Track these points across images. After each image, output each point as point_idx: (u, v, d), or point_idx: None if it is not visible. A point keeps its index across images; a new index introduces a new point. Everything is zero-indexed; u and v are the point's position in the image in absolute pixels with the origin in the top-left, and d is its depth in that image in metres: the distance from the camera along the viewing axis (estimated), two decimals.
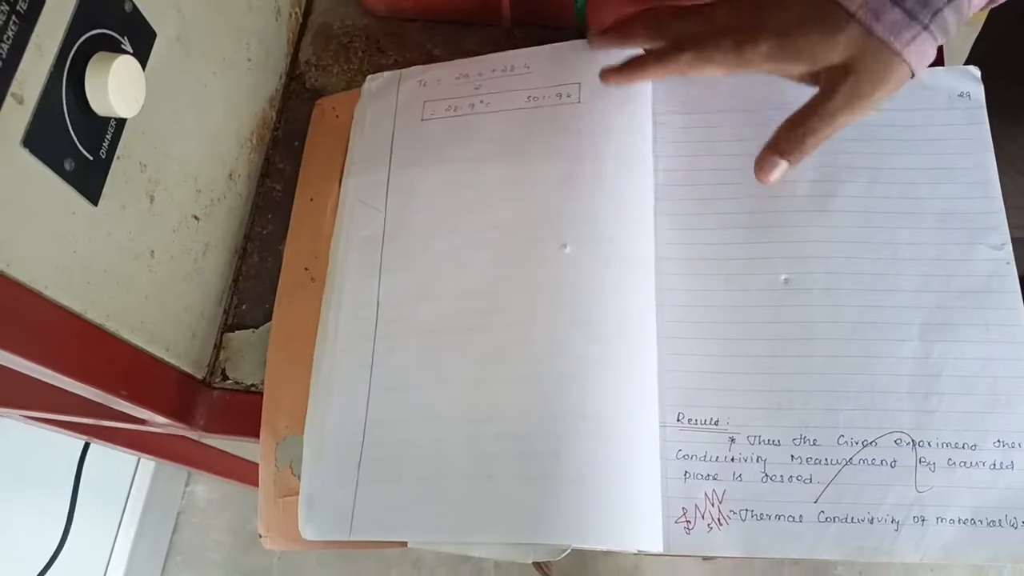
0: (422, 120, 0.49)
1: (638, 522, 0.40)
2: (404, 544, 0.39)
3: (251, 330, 0.48)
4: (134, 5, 0.37)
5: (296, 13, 0.56)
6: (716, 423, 0.43)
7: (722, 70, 0.42)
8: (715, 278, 0.46)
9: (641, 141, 0.47)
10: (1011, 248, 0.46)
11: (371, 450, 0.41)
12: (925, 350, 0.43)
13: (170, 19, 0.40)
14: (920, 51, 0.38)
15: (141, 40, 0.38)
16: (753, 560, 1.05)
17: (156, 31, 0.38)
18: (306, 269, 0.48)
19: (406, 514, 0.39)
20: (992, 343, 0.43)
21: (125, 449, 0.71)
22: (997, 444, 0.42)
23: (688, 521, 0.41)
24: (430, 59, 0.54)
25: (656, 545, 0.40)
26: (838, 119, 0.40)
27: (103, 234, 0.37)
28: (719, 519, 0.41)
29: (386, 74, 0.52)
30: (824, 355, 0.44)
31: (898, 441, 0.42)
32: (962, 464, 0.41)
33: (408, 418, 0.42)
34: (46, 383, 0.36)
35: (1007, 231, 0.46)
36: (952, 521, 0.40)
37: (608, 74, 0.45)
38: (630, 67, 0.44)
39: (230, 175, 0.48)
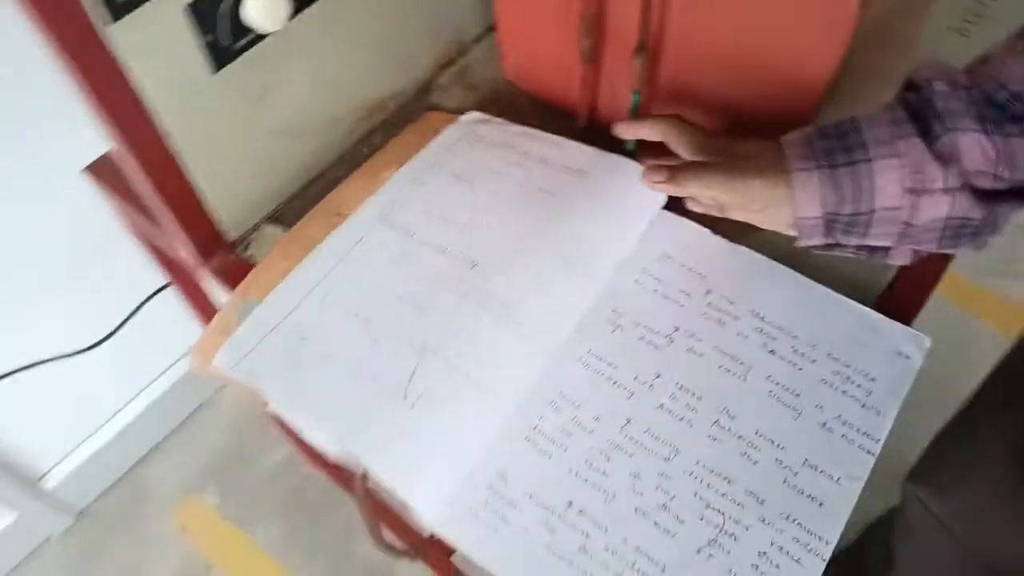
0: (476, 154, 0.62)
1: (428, 485, 0.48)
2: (265, 404, 0.50)
3: (284, 228, 0.62)
4: None
5: (452, 47, 0.71)
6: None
7: (701, 186, 0.53)
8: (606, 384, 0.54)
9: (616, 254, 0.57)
10: (860, 486, 0.50)
11: (297, 329, 0.53)
12: (738, 514, 0.49)
13: None
14: (803, 181, 0.47)
15: None
16: None
17: None
18: (339, 209, 0.61)
19: (283, 385, 0.50)
20: (796, 542, 0.48)
21: (188, 302, 0.87)
22: None
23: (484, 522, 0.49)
24: (523, 124, 0.67)
25: (428, 508, 0.48)
26: (708, 184, 0.52)
27: (212, 97, 0.52)
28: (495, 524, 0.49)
29: (480, 115, 0.66)
30: (653, 470, 0.50)
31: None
32: None
33: (340, 315, 0.54)
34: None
35: (868, 470, 0.50)
36: None
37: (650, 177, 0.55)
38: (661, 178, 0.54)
39: (333, 121, 0.63)
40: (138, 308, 0.94)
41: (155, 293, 0.95)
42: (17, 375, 0.93)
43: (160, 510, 1.27)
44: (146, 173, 0.51)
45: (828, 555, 0.48)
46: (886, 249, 0.51)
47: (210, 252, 0.60)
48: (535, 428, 0.52)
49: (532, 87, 0.69)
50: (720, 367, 0.54)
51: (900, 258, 0.52)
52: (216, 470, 1.30)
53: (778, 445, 0.51)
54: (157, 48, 0.46)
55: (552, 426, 0.53)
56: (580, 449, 0.52)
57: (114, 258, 0.98)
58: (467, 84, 0.70)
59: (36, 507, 1.18)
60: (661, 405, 0.53)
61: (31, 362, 0.93)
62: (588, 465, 0.51)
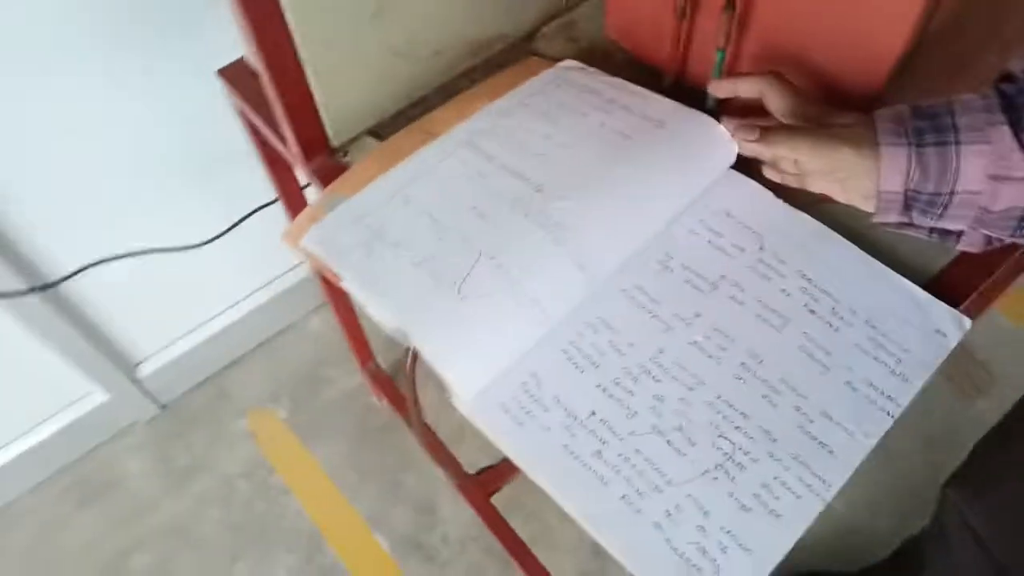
0: (564, 96, 0.67)
1: (467, 371, 0.53)
2: (339, 279, 0.57)
3: (380, 142, 0.68)
4: None
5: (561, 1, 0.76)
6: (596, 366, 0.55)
7: (789, 149, 0.54)
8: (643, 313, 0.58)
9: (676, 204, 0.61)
10: (873, 443, 0.52)
11: (375, 223, 0.60)
12: (749, 446, 0.52)
13: None
14: (891, 155, 0.48)
15: None
16: None
17: None
18: (431, 129, 0.67)
19: (358, 268, 0.57)
20: (799, 480, 0.50)
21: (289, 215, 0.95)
22: (727, 533, 0.49)
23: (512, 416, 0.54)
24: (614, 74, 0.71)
25: (465, 392, 0.53)
26: (797, 148, 0.52)
27: (335, 7, 0.58)
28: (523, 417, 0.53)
29: (575, 63, 0.70)
30: (675, 395, 0.54)
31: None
32: None
33: (415, 215, 0.60)
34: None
35: (883, 429, 0.52)
36: None
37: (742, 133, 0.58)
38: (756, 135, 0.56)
39: (438, 51, 0.69)
40: (245, 217, 1.04)
41: (263, 207, 1.04)
42: (130, 259, 1.03)
43: (236, 415, 1.38)
44: (272, 73, 0.58)
45: (828, 498, 0.50)
46: (959, 234, 0.51)
47: (313, 153, 0.67)
48: (572, 343, 0.57)
49: (628, 44, 0.73)
50: (758, 316, 0.57)
51: (972, 244, 0.51)
52: (290, 387, 1.40)
53: (800, 393, 0.54)
54: None
55: (589, 344, 0.57)
56: (611, 368, 0.56)
57: (232, 167, 1.08)
58: (569, 36, 0.75)
59: (129, 392, 1.31)
60: (694, 342, 0.56)
61: (144, 249, 1.03)
62: (615, 383, 0.55)
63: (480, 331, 0.54)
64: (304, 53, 0.58)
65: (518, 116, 0.67)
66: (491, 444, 0.54)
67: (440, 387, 0.55)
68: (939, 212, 0.49)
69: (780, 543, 0.49)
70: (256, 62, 0.59)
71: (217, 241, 1.05)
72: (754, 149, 0.57)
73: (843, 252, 0.60)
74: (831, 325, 0.57)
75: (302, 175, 0.71)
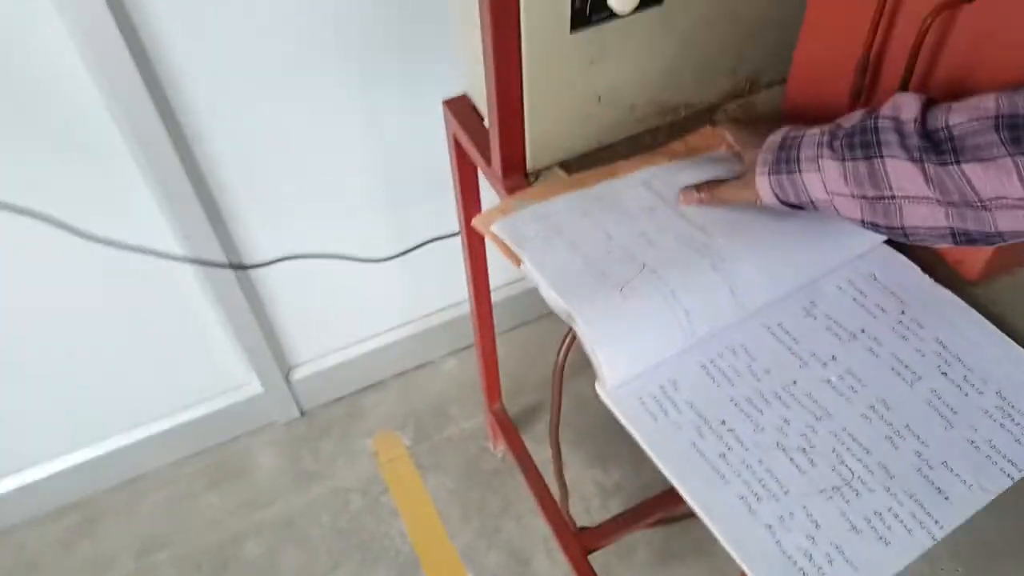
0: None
1: (616, 358, 0.60)
2: (519, 261, 0.66)
3: (568, 175, 0.79)
4: None
5: (747, 82, 0.85)
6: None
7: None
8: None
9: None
10: (990, 497, 0.54)
11: (557, 225, 0.69)
12: (867, 477, 0.55)
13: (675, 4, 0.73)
14: (761, 182, 0.63)
15: None
16: None
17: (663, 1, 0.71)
18: (612, 174, 0.77)
19: (538, 253, 0.66)
20: (912, 516, 0.53)
21: (467, 253, 1.07)
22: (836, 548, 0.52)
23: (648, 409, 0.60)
24: None
25: (611, 378, 0.60)
26: (721, 194, 0.69)
27: (560, 51, 0.70)
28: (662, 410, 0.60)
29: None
30: (802, 422, 0.58)
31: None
32: None
33: (591, 226, 0.69)
34: None
35: (1002, 487, 0.54)
36: None
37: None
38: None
39: (632, 106, 0.79)
40: (426, 242, 1.16)
41: (441, 237, 1.17)
42: (318, 261, 1.18)
43: (364, 433, 1.48)
44: (500, 102, 0.70)
45: (939, 537, 0.53)
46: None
47: (511, 172, 0.78)
48: (712, 361, 0.63)
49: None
50: (892, 369, 0.61)
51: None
52: (417, 417, 1.49)
53: (922, 441, 0.57)
54: (541, 3, 0.66)
55: (727, 364, 0.62)
56: (745, 388, 0.61)
57: (426, 194, 1.22)
58: (747, 115, 0.84)
59: (281, 391, 1.44)
60: (827, 380, 0.61)
61: (333, 253, 1.18)
62: (748, 401, 0.60)
63: (634, 325, 0.61)
64: (528, 89, 0.70)
65: (691, 173, 0.76)
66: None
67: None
68: (815, 210, 0.61)
69: (886, 566, 0.51)
70: (486, 92, 0.71)
71: (393, 260, 1.18)
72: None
73: (982, 329, 0.63)
74: (961, 389, 0.60)
75: (489, 202, 0.82)
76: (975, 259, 0.65)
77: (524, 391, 1.51)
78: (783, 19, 0.80)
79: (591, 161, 0.79)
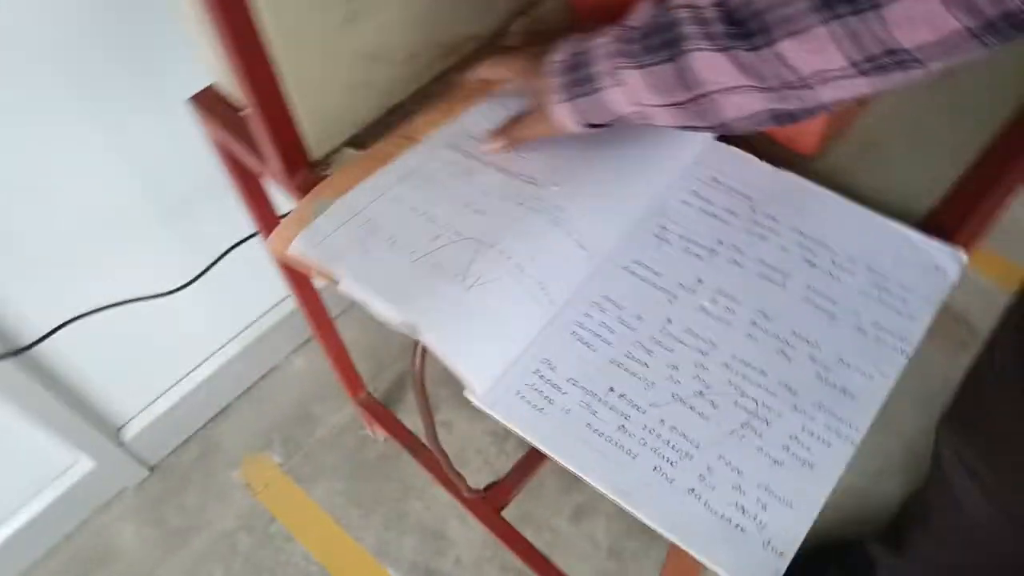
0: None
1: (480, 362, 0.52)
2: (337, 282, 0.55)
3: (360, 150, 0.68)
4: None
5: None
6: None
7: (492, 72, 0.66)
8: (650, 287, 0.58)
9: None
10: (891, 382, 0.52)
11: (367, 222, 0.59)
12: (771, 402, 0.51)
13: None
14: (560, 112, 0.56)
15: None
16: None
17: None
18: (413, 134, 0.66)
19: (354, 265, 0.56)
20: (827, 428, 0.50)
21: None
22: (764, 489, 0.48)
23: (529, 403, 0.53)
24: None
25: (480, 385, 0.52)
26: (522, 130, 0.62)
27: (308, 16, 0.58)
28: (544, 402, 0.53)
29: None
30: (691, 362, 0.54)
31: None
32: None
33: (407, 212, 0.59)
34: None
35: (899, 369, 0.52)
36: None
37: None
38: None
39: (413, 55, 0.69)
40: (220, 257, 1.02)
41: (237, 244, 1.02)
42: (104, 314, 1.00)
43: (228, 466, 1.34)
44: (251, 88, 0.57)
45: (857, 441, 0.50)
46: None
47: (295, 168, 0.66)
48: (580, 324, 0.56)
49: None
50: (760, 275, 0.57)
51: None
52: (281, 431, 1.37)
53: (813, 343, 0.54)
54: None
55: (597, 323, 0.56)
56: (622, 343, 0.55)
57: (201, 207, 1.06)
58: (536, 31, 0.75)
59: (115, 457, 1.26)
60: (701, 307, 0.56)
61: (117, 301, 1.01)
62: (629, 356, 0.55)
63: (489, 318, 0.53)
64: (283, 65, 0.58)
65: (496, 117, 0.67)
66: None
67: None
68: (626, 123, 0.55)
69: (818, 492, 0.48)
70: (234, 80, 0.58)
71: (192, 285, 1.03)
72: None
73: (832, 204, 0.61)
74: (832, 275, 0.57)
75: (283, 199, 0.70)
76: (808, 132, 0.62)
77: (385, 366, 1.42)
78: None
79: (383, 128, 0.69)
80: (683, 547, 0.47)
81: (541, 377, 0.54)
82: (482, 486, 1.07)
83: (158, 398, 1.29)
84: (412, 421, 1.19)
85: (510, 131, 0.62)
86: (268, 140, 0.63)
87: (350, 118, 0.68)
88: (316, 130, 0.65)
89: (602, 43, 0.53)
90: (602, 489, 0.50)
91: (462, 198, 0.60)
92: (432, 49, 0.70)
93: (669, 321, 0.56)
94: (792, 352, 0.54)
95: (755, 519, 0.48)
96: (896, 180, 0.63)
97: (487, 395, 0.53)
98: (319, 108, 0.64)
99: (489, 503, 1.08)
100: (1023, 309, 0.69)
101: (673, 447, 0.50)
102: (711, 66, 0.47)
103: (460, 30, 0.71)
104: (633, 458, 0.50)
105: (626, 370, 0.54)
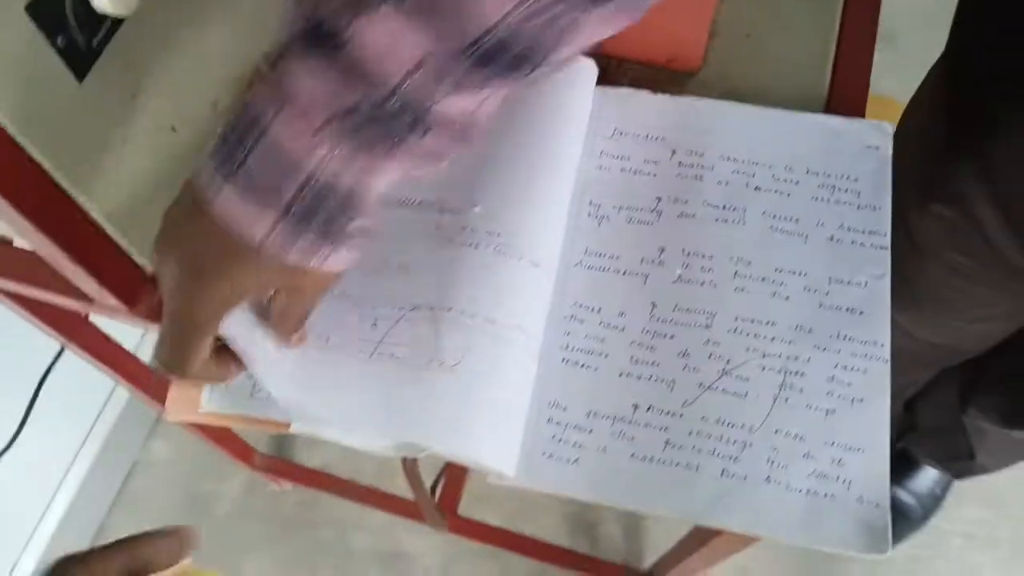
0: None
1: (499, 442, 0.45)
2: (287, 427, 0.44)
3: None
4: None
5: None
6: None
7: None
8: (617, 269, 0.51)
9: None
10: (888, 280, 0.51)
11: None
12: (793, 351, 0.48)
13: None
14: (339, 259, 0.37)
15: None
16: None
17: None
18: None
19: (298, 399, 0.44)
20: (854, 356, 0.48)
21: (96, 362, 0.76)
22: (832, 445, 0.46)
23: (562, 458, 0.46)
24: None
25: (508, 467, 0.44)
26: (290, 320, 0.41)
27: (81, 110, 0.43)
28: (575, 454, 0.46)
29: None
30: (699, 341, 0.49)
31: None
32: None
33: (325, 312, 0.47)
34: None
35: (888, 263, 0.51)
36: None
37: None
38: None
39: (214, 104, 0.55)
40: (38, 389, 0.82)
41: (44, 376, 0.83)
42: None
43: None
44: (37, 227, 0.42)
45: (888, 355, 0.48)
46: None
47: (134, 296, 0.51)
48: (566, 346, 0.50)
49: None
50: (716, 220, 0.53)
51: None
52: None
53: (800, 273, 0.51)
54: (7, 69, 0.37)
55: (581, 338, 0.50)
56: (619, 350, 0.49)
57: None
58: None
59: None
60: (678, 277, 0.51)
61: None
62: (634, 361, 0.49)
63: (489, 393, 0.45)
64: (64, 179, 0.43)
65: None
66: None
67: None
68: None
69: (879, 425, 0.46)
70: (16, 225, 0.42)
71: (18, 441, 0.83)
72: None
73: (744, 117, 0.56)
74: (780, 192, 0.54)
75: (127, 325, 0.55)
76: (688, 43, 0.57)
77: None
78: None
79: None
80: (798, 544, 0.44)
81: (557, 424, 0.47)
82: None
83: (20, 558, 1.08)
84: (318, 455, 1.08)
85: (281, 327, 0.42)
86: (88, 278, 0.48)
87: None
88: (139, 236, 0.51)
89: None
90: (681, 517, 0.45)
91: (378, 255, 0.49)
92: (230, 88, 0.56)
93: (654, 305, 0.51)
94: (785, 290, 0.50)
95: (839, 480, 0.45)
96: (784, 68, 0.59)
97: (521, 473, 0.46)
98: (131, 209, 0.49)
99: (447, 507, 1.02)
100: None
101: (729, 441, 0.46)
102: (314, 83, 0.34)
103: (252, 56, 0.57)
104: (696, 471, 0.46)
105: (638, 377, 0.49)
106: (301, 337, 0.43)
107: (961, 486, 1.17)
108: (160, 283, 0.39)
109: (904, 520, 1.17)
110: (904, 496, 1.17)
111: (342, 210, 0.36)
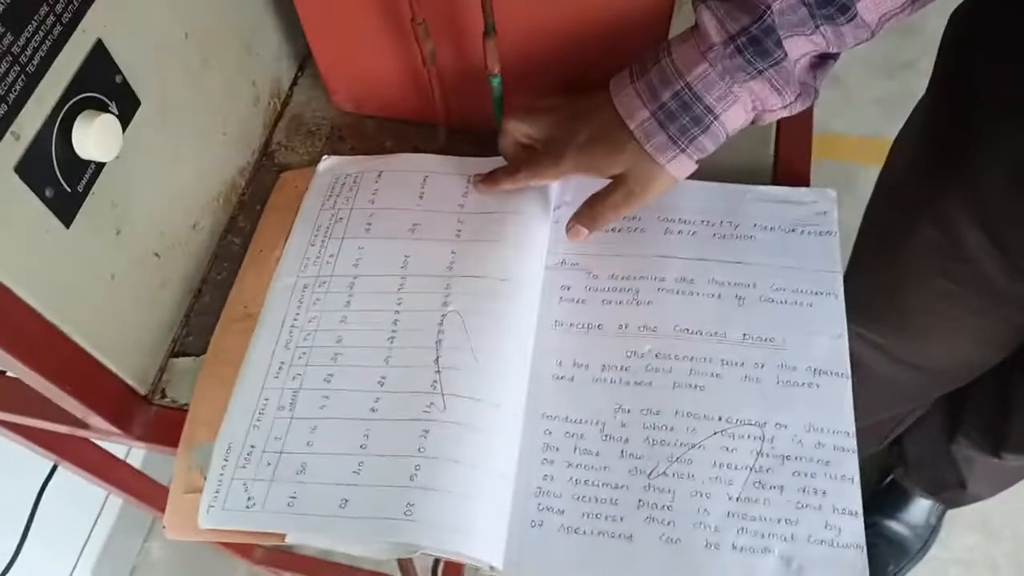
0: (355, 197, 0.59)
1: (486, 534, 0.46)
2: (283, 538, 0.46)
3: (194, 358, 0.56)
4: (124, 79, 0.47)
5: (275, 103, 0.66)
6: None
7: (551, 179, 0.54)
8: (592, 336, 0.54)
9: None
10: (847, 338, 0.53)
11: (273, 445, 0.49)
12: (763, 417, 0.51)
13: (155, 94, 0.50)
14: (679, 166, 0.48)
15: (127, 105, 0.48)
16: None
17: (141, 100, 0.49)
18: (245, 307, 0.56)
19: (290, 512, 0.46)
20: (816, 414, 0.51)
21: (90, 476, 0.77)
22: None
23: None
24: (382, 150, 0.64)
25: (497, 559, 0.46)
26: (620, 210, 0.52)
27: (71, 253, 0.45)
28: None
29: (336, 158, 0.62)
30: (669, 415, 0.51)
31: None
32: None
33: (301, 433, 0.49)
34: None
35: (844, 323, 0.54)
36: None
37: (478, 184, 0.57)
38: (488, 180, 0.57)
39: (194, 225, 0.57)
40: (34, 507, 0.82)
41: (47, 479, 0.84)
42: None
43: None
44: (32, 367, 0.44)
45: (853, 445, 0.50)
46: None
47: (128, 418, 0.53)
48: (548, 418, 0.52)
49: (371, 110, 0.66)
50: (678, 293, 0.55)
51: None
52: None
53: (776, 347, 0.53)
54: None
55: (558, 437, 0.51)
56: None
57: None
58: (304, 132, 0.66)
59: None
60: (646, 367, 0.53)
61: None
62: (626, 412, 0.51)
63: (473, 489, 0.47)
64: (57, 319, 0.45)
65: (324, 246, 0.58)
66: None
67: None
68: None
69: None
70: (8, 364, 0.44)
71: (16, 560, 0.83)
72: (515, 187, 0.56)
73: (696, 193, 0.59)
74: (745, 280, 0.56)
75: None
76: None
77: None
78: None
79: (205, 313, 0.58)
80: None
81: (543, 507, 0.49)
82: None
83: None
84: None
85: (596, 216, 0.52)
86: (80, 408, 0.50)
87: (160, 327, 0.56)
88: (130, 361, 0.53)
89: (704, 70, 0.46)
90: None
91: (373, 375, 0.51)
92: (208, 207, 0.59)
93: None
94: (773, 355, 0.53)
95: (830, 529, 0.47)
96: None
97: (510, 561, 0.47)
98: (122, 337, 0.52)
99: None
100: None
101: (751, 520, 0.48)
102: (799, 47, 0.46)
103: (225, 173, 0.61)
104: (717, 551, 0.47)
105: (624, 449, 0.50)
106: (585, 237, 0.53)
107: (950, 514, 1.19)
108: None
109: (901, 552, 1.18)
110: (900, 528, 1.18)
111: (696, 122, 0.46)
